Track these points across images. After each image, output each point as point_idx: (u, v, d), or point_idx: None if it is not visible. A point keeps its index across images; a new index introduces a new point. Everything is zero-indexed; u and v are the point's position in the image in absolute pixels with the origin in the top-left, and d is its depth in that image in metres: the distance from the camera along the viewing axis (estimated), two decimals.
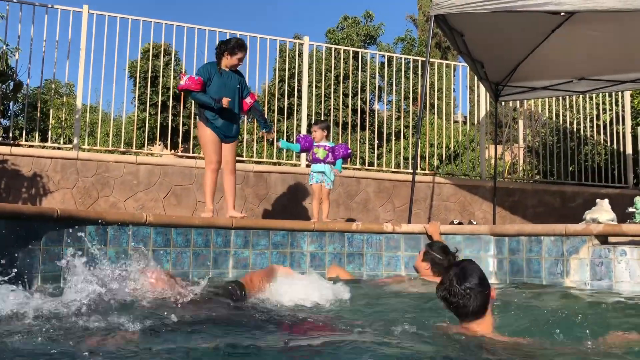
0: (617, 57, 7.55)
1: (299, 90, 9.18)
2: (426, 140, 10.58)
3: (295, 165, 8.13)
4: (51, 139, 7.44)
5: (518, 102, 9.91)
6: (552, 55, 7.51)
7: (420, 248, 5.35)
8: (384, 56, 10.81)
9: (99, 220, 4.30)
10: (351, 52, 9.87)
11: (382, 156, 15.85)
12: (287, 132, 14.21)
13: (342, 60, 9.09)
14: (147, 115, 11.00)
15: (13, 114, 9.54)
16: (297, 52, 8.47)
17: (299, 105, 13.28)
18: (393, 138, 13.38)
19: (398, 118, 12.73)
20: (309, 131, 7.16)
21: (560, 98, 9.53)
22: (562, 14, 5.39)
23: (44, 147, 7.05)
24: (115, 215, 4.52)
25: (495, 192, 8.42)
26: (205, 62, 5.89)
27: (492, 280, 5.09)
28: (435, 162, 11.39)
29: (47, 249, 4.00)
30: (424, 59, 9.83)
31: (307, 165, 8.24)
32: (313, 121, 7.29)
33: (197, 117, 5.90)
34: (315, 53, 8.57)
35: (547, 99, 9.55)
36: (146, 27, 7.60)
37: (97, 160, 6.87)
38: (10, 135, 7.04)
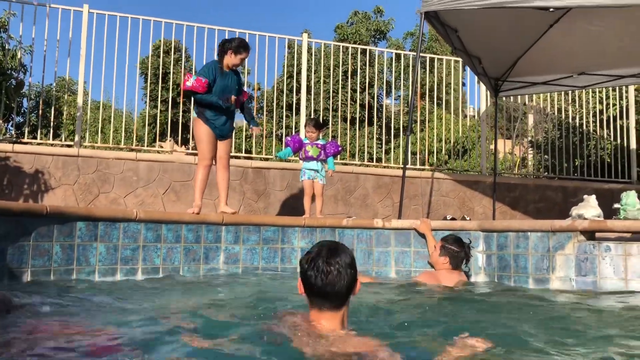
0: (616, 52, 7.49)
1: (307, 86, 9.25)
2: (434, 134, 10.59)
3: (294, 161, 8.19)
4: (62, 136, 7.58)
5: (527, 96, 9.87)
6: (551, 50, 7.47)
7: (410, 243, 5.42)
8: (396, 52, 10.83)
9: (89, 217, 4.40)
10: (350, 49, 9.88)
11: (390, 151, 15.88)
12: (295, 127, 14.28)
13: (350, 56, 9.12)
14: (158, 112, 11.11)
15: (28, 111, 9.72)
16: (305, 49, 8.53)
17: (307, 100, 13.37)
18: (401, 133, 13.40)
19: (407, 113, 12.77)
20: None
21: (563, 93, 9.47)
22: (552, 9, 5.36)
23: (45, 144, 7.19)
24: (105, 211, 4.62)
25: (495, 187, 8.41)
26: (207, 63, 5.90)
27: (480, 275, 5.12)
28: (444, 157, 11.42)
29: (37, 245, 4.11)
30: (432, 55, 9.81)
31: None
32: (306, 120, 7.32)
33: (196, 113, 5.91)
34: (323, 49, 8.63)
35: (549, 94, 9.50)
36: (157, 26, 7.74)
37: (97, 157, 6.99)
38: (26, 131, 7.19)
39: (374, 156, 9.56)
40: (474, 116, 12.94)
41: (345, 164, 8.45)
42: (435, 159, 9.79)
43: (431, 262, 4.76)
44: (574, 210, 4.62)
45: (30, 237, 4.08)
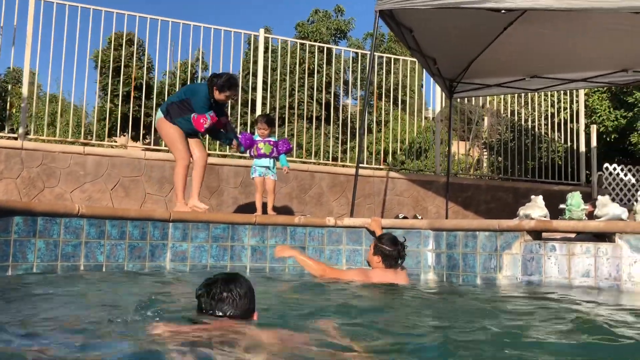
0: (568, 56, 7.67)
1: (264, 83, 9.15)
2: (390, 135, 10.65)
3: (248, 157, 8.07)
4: (6, 128, 7.28)
5: (482, 99, 9.99)
6: (505, 52, 7.59)
7: (361, 242, 5.40)
8: (355, 52, 10.82)
9: (28, 211, 4.22)
10: (310, 47, 9.84)
11: (347, 151, 15.89)
12: (252, 126, 14.14)
13: (309, 54, 9.05)
14: (109, 105, 10.80)
15: None
16: (262, 44, 8.43)
17: (263, 97, 13.22)
18: (357, 132, 13.39)
19: (370, 113, 12.78)
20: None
21: (517, 95, 9.65)
22: (503, 11, 5.42)
23: None
24: (45, 206, 4.44)
25: (448, 187, 8.50)
26: (197, 88, 5.71)
27: (430, 274, 5.14)
28: (400, 157, 11.49)
29: None
30: (390, 55, 9.83)
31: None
32: (257, 116, 7.23)
33: (163, 114, 5.71)
34: (282, 46, 8.54)
35: (503, 96, 9.66)
36: (109, 17, 7.52)
37: (42, 150, 6.74)
38: None
39: (331, 155, 9.53)
40: (433, 118, 13.11)
41: (303, 162, 8.39)
42: (391, 159, 9.84)
43: (368, 261, 4.75)
44: (521, 211, 4.67)
45: None
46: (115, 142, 11.94)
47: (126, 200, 7.00)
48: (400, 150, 11.62)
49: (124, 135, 14.76)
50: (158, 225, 4.94)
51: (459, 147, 13.19)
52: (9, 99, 8.84)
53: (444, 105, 9.24)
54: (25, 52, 6.91)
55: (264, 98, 8.45)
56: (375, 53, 9.92)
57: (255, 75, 8.30)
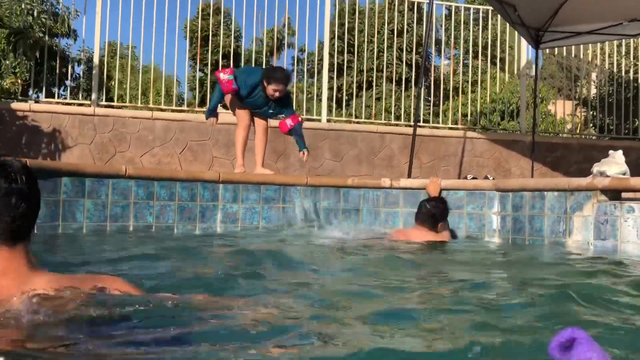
0: None
1: (351, 45, 8.82)
2: (487, 95, 9.97)
3: (315, 120, 7.88)
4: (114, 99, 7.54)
5: (584, 52, 9.09)
6: None
7: None
8: (448, 8, 10.17)
9: (75, 172, 4.29)
10: (398, 5, 9.37)
11: (440, 114, 15.26)
12: (338, 90, 13.87)
13: (396, 13, 8.63)
14: (204, 74, 11.02)
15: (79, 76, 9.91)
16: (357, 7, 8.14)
17: (350, 61, 12.92)
18: (451, 93, 12.79)
19: (464, 73, 12.13)
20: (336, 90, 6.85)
21: (615, 43, 8.66)
22: None
23: (62, 103, 7.20)
24: (92, 167, 4.51)
25: (534, 147, 7.82)
26: (258, 71, 5.50)
27: (494, 238, 4.73)
28: (496, 119, 10.78)
29: None
30: (486, 7, 9.10)
31: (328, 121, 8.00)
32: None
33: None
34: (375, 7, 8.24)
35: (599, 45, 8.70)
36: None
37: (113, 116, 6.93)
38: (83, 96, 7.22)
39: (422, 118, 9.01)
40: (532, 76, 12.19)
41: (371, 123, 8.07)
42: (469, 118, 9.19)
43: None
44: (596, 167, 4.12)
45: None
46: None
47: (194, 164, 7.07)
48: (495, 111, 10.90)
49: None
50: (208, 186, 4.88)
51: (535, 102, 12.21)
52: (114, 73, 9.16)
53: (529, 56, 8.48)
54: (96, 19, 7.08)
55: (350, 61, 8.16)
56: (466, 5, 9.29)
57: (341, 38, 8.05)
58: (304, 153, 5.63)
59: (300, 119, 5.72)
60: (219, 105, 5.60)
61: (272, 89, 5.33)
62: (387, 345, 1.43)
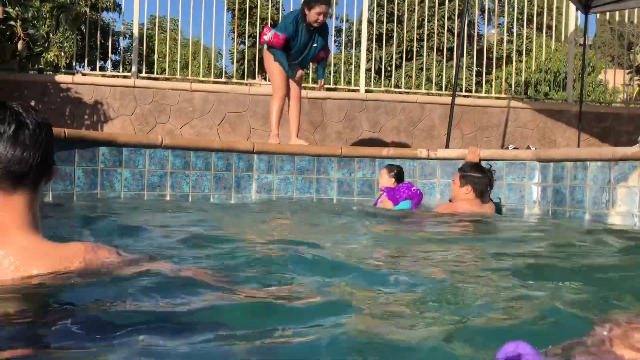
0: None
1: (397, 15, 8.65)
2: (532, 63, 9.65)
3: (352, 90, 7.78)
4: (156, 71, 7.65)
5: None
6: None
7: None
8: None
9: (112, 142, 4.37)
10: None
11: (484, 83, 14.86)
12: (381, 61, 13.63)
13: None
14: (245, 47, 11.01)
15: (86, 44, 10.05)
16: None
17: (391, 30, 12.66)
18: (494, 63, 12.41)
19: (509, 42, 11.78)
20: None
21: None
22: None
23: (103, 75, 7.32)
24: (129, 137, 4.57)
25: (581, 116, 7.52)
26: (291, 12, 5.65)
27: (535, 209, 4.60)
28: (545, 89, 10.42)
29: (57, 168, 4.13)
30: None
31: (367, 91, 7.86)
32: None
33: (267, 47, 5.67)
34: None
35: None
36: None
37: (153, 88, 7.01)
38: (122, 68, 7.36)
39: (464, 87, 8.77)
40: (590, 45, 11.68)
41: (412, 92, 7.91)
42: (530, 90, 8.89)
43: (453, 197, 4.30)
44: None
45: None
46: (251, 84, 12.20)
47: (232, 135, 7.10)
48: (543, 80, 10.55)
49: (260, 76, 15.12)
50: (243, 156, 4.91)
51: (583, 70, 11.70)
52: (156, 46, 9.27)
53: (579, 22, 8.11)
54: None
55: (392, 31, 7.99)
56: None
57: (381, 5, 7.88)
58: (320, 81, 5.92)
59: (328, 52, 5.95)
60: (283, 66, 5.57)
61: (315, 13, 5.39)
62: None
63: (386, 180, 4.60)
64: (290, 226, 3.75)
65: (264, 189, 4.94)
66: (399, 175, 4.60)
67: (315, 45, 5.62)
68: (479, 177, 4.15)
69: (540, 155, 4.59)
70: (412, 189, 4.49)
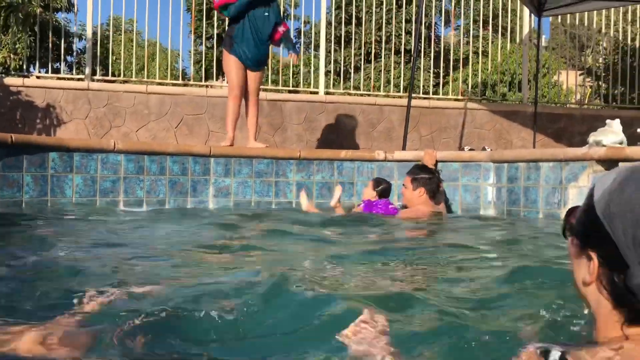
0: None
1: (357, 18, 8.66)
2: (488, 65, 9.79)
3: (312, 92, 7.77)
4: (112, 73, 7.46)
5: (595, 21, 8.85)
6: None
7: None
8: None
9: (62, 147, 4.24)
10: None
11: (442, 85, 15.02)
12: (344, 62, 13.67)
13: None
14: (206, 48, 10.89)
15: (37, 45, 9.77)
16: None
17: (355, 33, 12.68)
18: (451, 65, 12.60)
19: (467, 43, 11.94)
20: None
21: (621, 10, 8.43)
22: None
23: (54, 78, 7.12)
24: (79, 142, 4.45)
25: (536, 117, 7.68)
26: None
27: (490, 210, 4.67)
28: (502, 90, 10.62)
29: (4, 175, 3.99)
30: None
31: (326, 94, 7.85)
32: None
33: (223, 45, 5.71)
34: None
35: (603, 12, 8.47)
36: None
37: (108, 91, 6.85)
38: (89, 70, 7.12)
39: (421, 89, 8.82)
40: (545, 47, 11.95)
41: (369, 95, 7.95)
42: (488, 91, 9.01)
43: (404, 203, 4.33)
44: (592, 137, 4.02)
45: None
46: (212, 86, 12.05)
47: (190, 138, 7.00)
48: (500, 82, 10.72)
49: (221, 78, 14.97)
50: (199, 160, 4.84)
51: (538, 71, 11.99)
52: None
53: (532, 25, 8.28)
54: None
55: (351, 32, 7.99)
56: None
57: (340, 7, 7.86)
58: (291, 54, 5.88)
59: (287, 26, 5.96)
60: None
61: None
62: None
63: (369, 192, 4.56)
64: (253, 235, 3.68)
65: (221, 193, 4.88)
66: (383, 192, 4.56)
67: (267, 14, 5.57)
68: (429, 178, 4.19)
69: (494, 156, 4.66)
70: (390, 206, 4.46)
